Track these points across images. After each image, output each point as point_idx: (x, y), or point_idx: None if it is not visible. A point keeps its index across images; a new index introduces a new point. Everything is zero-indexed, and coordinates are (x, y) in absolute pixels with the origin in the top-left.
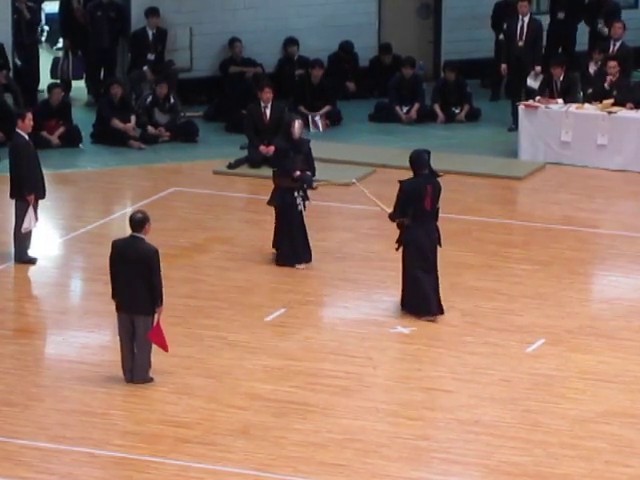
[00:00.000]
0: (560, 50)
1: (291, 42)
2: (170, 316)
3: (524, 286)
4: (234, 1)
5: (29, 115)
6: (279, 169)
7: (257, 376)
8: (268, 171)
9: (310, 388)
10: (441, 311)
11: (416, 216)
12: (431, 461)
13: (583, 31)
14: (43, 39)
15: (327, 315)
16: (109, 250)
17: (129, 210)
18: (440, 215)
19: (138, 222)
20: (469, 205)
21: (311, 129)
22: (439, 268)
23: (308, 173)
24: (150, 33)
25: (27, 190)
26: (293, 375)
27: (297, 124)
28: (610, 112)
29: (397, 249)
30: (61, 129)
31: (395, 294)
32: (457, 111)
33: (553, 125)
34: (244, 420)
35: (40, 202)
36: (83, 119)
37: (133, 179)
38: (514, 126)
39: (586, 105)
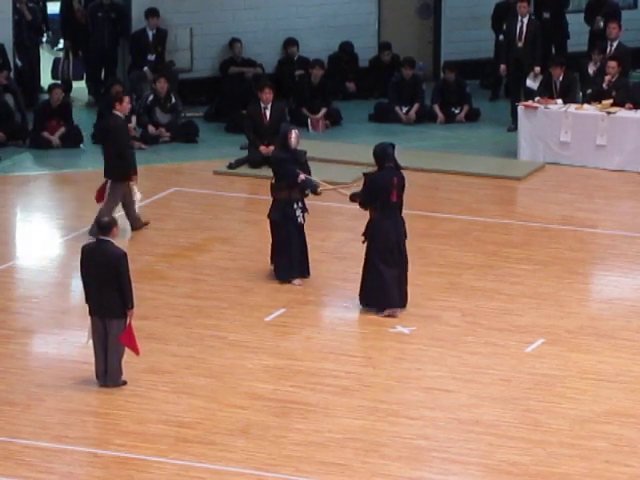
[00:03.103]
0: (553, 50)
1: (291, 42)
2: (170, 316)
3: (524, 286)
4: (234, 1)
5: (127, 98)
6: (277, 180)
7: (257, 376)
8: (268, 171)
9: (310, 388)
10: (404, 304)
11: (383, 208)
12: (431, 460)
13: (582, 31)
14: (44, 40)
15: (327, 315)
16: None
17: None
18: (440, 215)
19: (105, 226)
20: (469, 205)
21: (310, 130)
22: (443, 266)
23: (311, 177)
24: (150, 34)
25: (133, 170)
26: (293, 375)
27: (294, 134)
28: (609, 112)
29: (364, 242)
30: (62, 129)
31: None
32: (457, 111)
33: (552, 125)
34: (245, 420)
35: (41, 202)
36: (84, 119)
37: None
38: (513, 126)
39: (585, 105)
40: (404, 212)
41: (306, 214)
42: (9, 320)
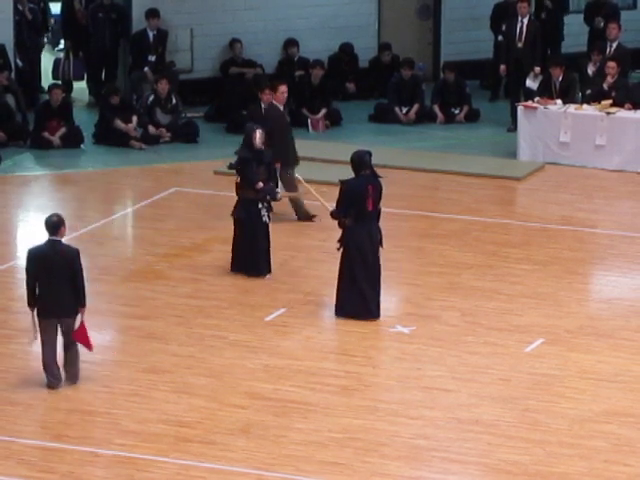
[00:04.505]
0: (549, 50)
1: (291, 43)
2: (171, 316)
3: (523, 286)
4: (234, 2)
5: (281, 88)
6: (241, 180)
7: (258, 375)
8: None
9: (310, 387)
10: (378, 314)
11: (357, 217)
12: (431, 460)
13: (582, 31)
14: (46, 40)
15: (327, 315)
16: (111, 250)
17: (130, 210)
18: (440, 215)
19: (54, 225)
20: (468, 205)
21: (310, 130)
22: (443, 266)
23: (271, 184)
24: (151, 34)
25: (283, 158)
26: (293, 374)
27: (258, 134)
28: (608, 113)
29: (338, 249)
30: (62, 130)
31: (395, 293)
32: (456, 112)
33: (552, 126)
34: (245, 419)
35: (41, 202)
36: (85, 120)
37: (134, 179)
38: (513, 127)
39: (585, 106)
40: (410, 213)
41: (271, 213)
42: (10, 320)
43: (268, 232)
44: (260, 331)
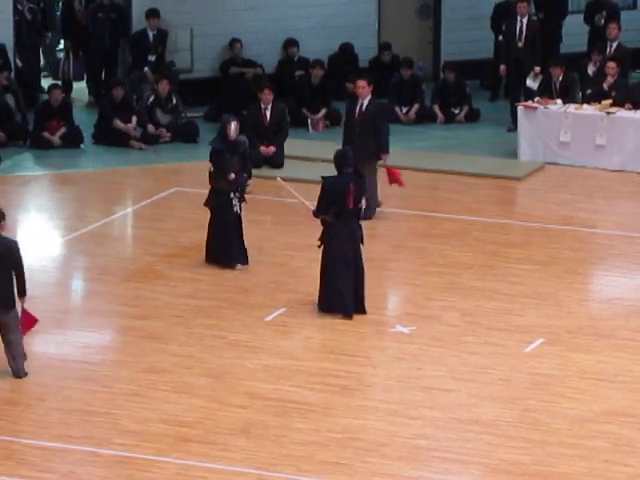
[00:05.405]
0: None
1: (291, 43)
2: (171, 316)
3: (523, 286)
4: (234, 2)
5: (358, 82)
6: (214, 170)
7: (258, 375)
8: (268, 171)
9: (310, 387)
10: (363, 310)
11: (339, 214)
12: (431, 460)
13: (582, 31)
14: (47, 41)
15: (327, 315)
16: (110, 250)
17: (130, 210)
18: (440, 215)
19: None
20: (468, 205)
21: (310, 130)
22: (443, 266)
23: (244, 175)
24: (151, 34)
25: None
26: (293, 374)
27: (233, 125)
28: (609, 112)
29: (319, 246)
30: (62, 129)
31: (395, 293)
32: (457, 112)
33: (552, 125)
34: (245, 419)
35: (41, 202)
36: (84, 120)
37: (134, 179)
38: (513, 126)
39: (585, 105)
40: (410, 213)
41: (243, 204)
42: None
43: (240, 223)
44: (260, 331)
